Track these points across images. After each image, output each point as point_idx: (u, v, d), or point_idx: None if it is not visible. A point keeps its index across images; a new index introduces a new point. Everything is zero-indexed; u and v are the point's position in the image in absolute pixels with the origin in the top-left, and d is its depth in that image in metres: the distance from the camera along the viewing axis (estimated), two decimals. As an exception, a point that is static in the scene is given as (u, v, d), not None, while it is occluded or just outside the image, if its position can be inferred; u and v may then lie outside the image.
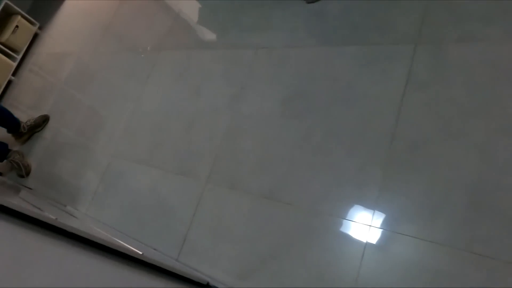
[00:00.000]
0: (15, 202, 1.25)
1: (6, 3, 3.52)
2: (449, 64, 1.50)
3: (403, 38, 1.64)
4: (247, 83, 2.01)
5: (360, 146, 1.56)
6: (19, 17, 3.60)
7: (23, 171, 2.79)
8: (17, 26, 3.56)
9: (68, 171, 2.58)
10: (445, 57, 1.52)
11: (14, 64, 3.57)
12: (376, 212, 1.44)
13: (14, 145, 2.97)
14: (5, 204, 1.12)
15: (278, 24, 2.07)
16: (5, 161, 2.87)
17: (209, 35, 2.42)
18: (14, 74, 3.59)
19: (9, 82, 3.57)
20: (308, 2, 1.98)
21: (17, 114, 2.97)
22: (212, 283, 1.62)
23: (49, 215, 1.36)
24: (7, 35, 3.51)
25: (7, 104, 3.45)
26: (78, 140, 2.66)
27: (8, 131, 2.96)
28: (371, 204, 1.46)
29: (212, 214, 1.80)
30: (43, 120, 2.97)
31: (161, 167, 2.09)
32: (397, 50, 1.63)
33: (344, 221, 1.49)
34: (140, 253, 1.50)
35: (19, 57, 3.61)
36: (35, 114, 3.01)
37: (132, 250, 1.52)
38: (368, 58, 1.69)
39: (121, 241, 1.84)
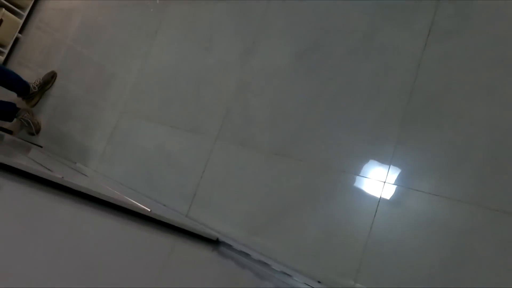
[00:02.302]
0: (23, 162, 1.23)
1: (10, -42, 3.42)
2: (474, 14, 1.40)
3: (425, -16, 1.54)
4: (259, 36, 1.93)
5: (377, 99, 1.49)
6: (24, -28, 3.51)
7: (33, 129, 2.78)
8: (22, -18, 3.47)
9: (77, 128, 2.55)
10: (470, 6, 1.41)
11: (21, 21, 3.50)
12: (392, 167, 1.39)
13: (24, 106, 2.94)
14: (13, 165, 1.11)
15: (292, -27, 1.96)
16: (15, 119, 2.85)
17: (219, -13, 2.32)
18: (21, 31, 3.52)
19: (17, 40, 3.51)
20: None
21: (25, 72, 2.93)
22: (221, 238, 1.61)
23: (56, 174, 1.34)
24: (12, -10, 3.43)
25: (15, 62, 3.41)
26: (87, 98, 2.62)
27: (18, 95, 2.93)
28: (386, 160, 1.41)
29: (222, 170, 1.77)
30: (51, 76, 2.93)
31: (171, 124, 2.04)
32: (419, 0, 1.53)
33: (358, 177, 1.44)
34: (149, 210, 1.48)
35: (25, 13, 3.54)
36: (43, 72, 2.97)
37: (141, 207, 1.51)
38: (387, 9, 1.59)
39: (131, 198, 1.83)
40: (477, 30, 1.38)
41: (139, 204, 1.60)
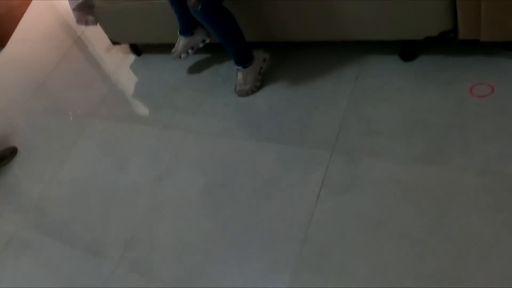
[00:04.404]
0: None
1: None
2: (360, 175, 1.59)
3: (321, 143, 1.73)
4: (173, 164, 2.01)
5: (273, 245, 1.57)
6: None
7: None
8: None
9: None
10: (357, 167, 1.61)
11: None
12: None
13: None
14: None
15: (210, 111, 2.13)
16: None
17: (142, 110, 2.43)
18: None
19: None
20: (240, 96, 2.06)
21: None
22: None
23: None
24: None
25: None
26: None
27: None
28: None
29: (118, 300, 1.71)
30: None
31: (70, 243, 1.97)
32: (315, 154, 1.71)
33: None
34: None
35: None
36: None
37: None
38: (288, 158, 1.76)
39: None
40: (362, 190, 1.55)
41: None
